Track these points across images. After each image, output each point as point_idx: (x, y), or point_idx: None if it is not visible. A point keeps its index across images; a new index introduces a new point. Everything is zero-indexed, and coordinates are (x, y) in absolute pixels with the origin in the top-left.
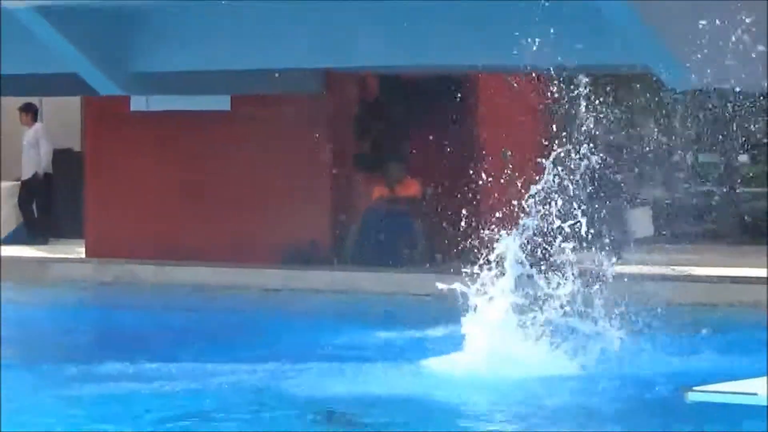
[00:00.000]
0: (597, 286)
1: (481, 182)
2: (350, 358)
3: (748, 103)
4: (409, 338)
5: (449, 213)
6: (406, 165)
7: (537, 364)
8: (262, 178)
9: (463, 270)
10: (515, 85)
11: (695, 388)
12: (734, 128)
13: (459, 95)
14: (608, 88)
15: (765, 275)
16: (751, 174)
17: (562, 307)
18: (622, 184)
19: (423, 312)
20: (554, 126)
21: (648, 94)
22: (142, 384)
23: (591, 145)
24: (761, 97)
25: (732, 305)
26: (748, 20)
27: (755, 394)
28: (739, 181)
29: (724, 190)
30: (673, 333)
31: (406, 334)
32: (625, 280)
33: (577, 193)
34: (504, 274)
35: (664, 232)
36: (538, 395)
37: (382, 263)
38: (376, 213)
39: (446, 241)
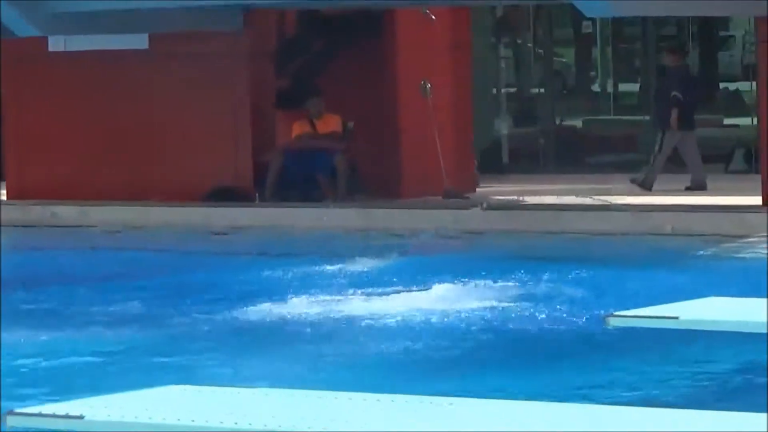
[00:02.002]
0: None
1: (400, 116)
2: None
3: (665, 31)
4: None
5: (370, 147)
6: (325, 100)
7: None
8: (182, 117)
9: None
10: (433, 18)
11: (616, 313)
12: (652, 57)
13: (378, 29)
14: (529, 19)
15: (680, 203)
16: None
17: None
18: (544, 114)
19: (338, 245)
20: (474, 58)
21: (567, 24)
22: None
23: (508, 76)
24: (680, 25)
25: (650, 234)
26: None
27: (676, 317)
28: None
29: (645, 118)
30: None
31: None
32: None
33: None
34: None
35: (585, 162)
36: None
37: (304, 199)
38: (297, 149)
39: (367, 176)
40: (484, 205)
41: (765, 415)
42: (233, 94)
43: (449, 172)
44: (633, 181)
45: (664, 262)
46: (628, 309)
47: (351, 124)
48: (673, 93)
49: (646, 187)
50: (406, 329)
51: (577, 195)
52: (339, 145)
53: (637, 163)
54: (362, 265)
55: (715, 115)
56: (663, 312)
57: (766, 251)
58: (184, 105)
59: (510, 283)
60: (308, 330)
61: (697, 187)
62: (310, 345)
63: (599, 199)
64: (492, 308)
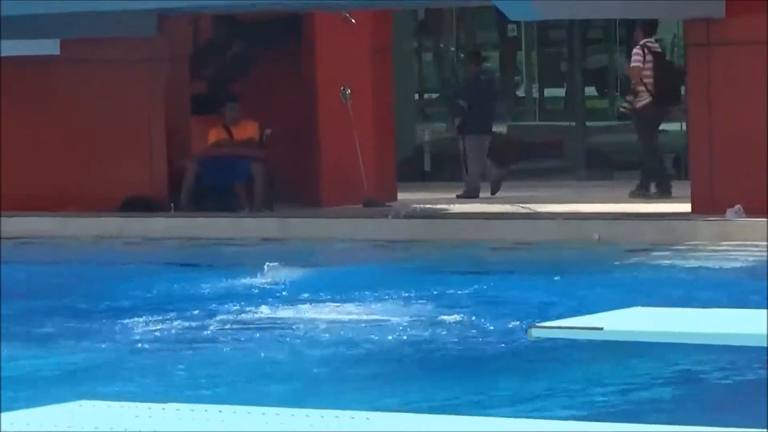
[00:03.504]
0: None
1: (320, 122)
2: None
3: (592, 34)
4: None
5: (288, 155)
6: (242, 107)
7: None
8: (95, 124)
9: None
10: (353, 21)
11: (538, 324)
12: (578, 61)
13: (296, 33)
14: (452, 23)
15: (608, 211)
16: (597, 107)
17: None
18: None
19: (254, 257)
20: (395, 64)
21: (492, 27)
22: None
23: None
24: (606, 28)
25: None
26: None
27: (601, 328)
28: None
29: (572, 124)
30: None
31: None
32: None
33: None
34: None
35: (512, 169)
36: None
37: (220, 208)
38: (213, 157)
39: (285, 184)
40: (402, 214)
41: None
42: (147, 100)
43: (370, 180)
44: (459, 196)
45: (590, 272)
46: (551, 320)
47: (268, 131)
48: (458, 101)
49: (471, 195)
50: (316, 342)
51: (501, 203)
52: (256, 152)
53: (563, 170)
54: (276, 276)
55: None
56: (587, 322)
57: (699, 261)
58: (97, 112)
59: (426, 294)
60: (207, 345)
61: (469, 195)
62: (205, 359)
63: (525, 207)
64: (407, 321)
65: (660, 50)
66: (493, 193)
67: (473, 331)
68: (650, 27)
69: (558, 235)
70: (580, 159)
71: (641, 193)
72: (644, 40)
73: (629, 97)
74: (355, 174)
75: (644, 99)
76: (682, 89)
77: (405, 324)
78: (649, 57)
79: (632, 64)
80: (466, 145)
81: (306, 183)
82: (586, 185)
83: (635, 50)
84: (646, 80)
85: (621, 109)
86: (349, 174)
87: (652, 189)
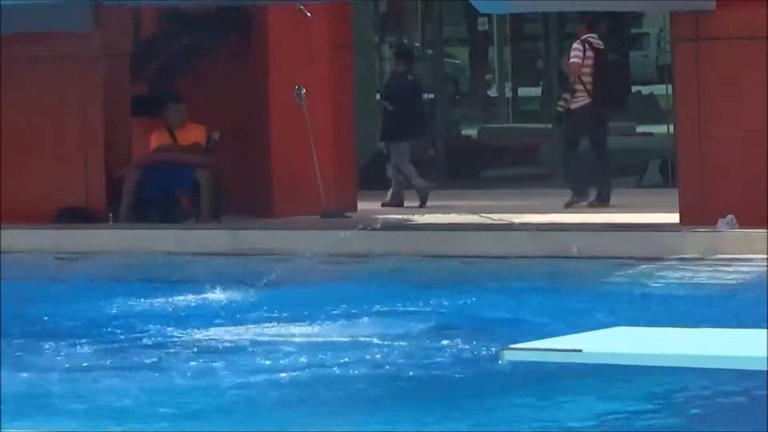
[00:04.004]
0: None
1: (272, 125)
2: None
3: (570, 28)
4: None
5: (237, 161)
6: (188, 108)
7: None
8: (27, 127)
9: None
10: (309, 15)
11: (512, 346)
12: (555, 58)
13: (247, 28)
14: (417, 16)
15: (588, 221)
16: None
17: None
18: (434, 123)
19: (201, 273)
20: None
21: (460, 21)
22: None
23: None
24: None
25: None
26: None
27: (579, 350)
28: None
29: (549, 126)
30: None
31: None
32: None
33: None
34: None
35: (485, 176)
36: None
37: (163, 219)
38: (155, 163)
39: (235, 193)
40: (364, 226)
41: None
42: (83, 101)
43: (328, 189)
44: (383, 204)
45: (567, 288)
46: (526, 341)
47: (216, 135)
48: (383, 102)
49: (395, 204)
50: (265, 366)
51: (471, 213)
52: (202, 158)
53: (539, 177)
54: (220, 294)
55: (627, 123)
56: (565, 344)
57: (689, 276)
58: (29, 114)
59: (389, 313)
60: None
61: (395, 204)
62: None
63: (496, 218)
64: (365, 342)
65: (602, 47)
66: (421, 205)
67: (438, 352)
68: (594, 21)
69: (533, 248)
70: (558, 165)
71: (575, 202)
72: (586, 35)
73: (566, 96)
74: (311, 182)
75: (581, 100)
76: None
77: (362, 345)
78: (589, 53)
79: (570, 60)
80: (393, 150)
81: (257, 192)
82: (564, 193)
83: (575, 45)
84: (584, 78)
85: (557, 110)
86: (304, 182)
87: (590, 197)
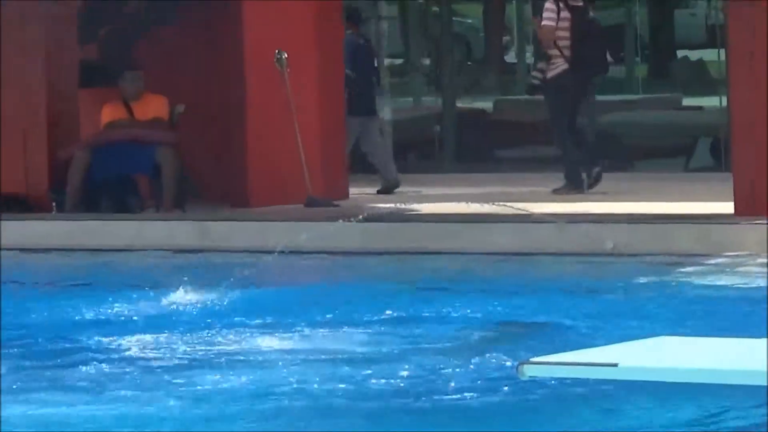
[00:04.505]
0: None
1: (248, 99)
2: None
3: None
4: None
5: (207, 140)
6: (147, 77)
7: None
8: None
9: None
10: None
11: (533, 360)
12: None
13: None
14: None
15: (624, 211)
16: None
17: None
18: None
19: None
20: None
21: None
22: None
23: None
24: None
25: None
26: None
27: (615, 364)
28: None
29: None
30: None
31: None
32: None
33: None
34: None
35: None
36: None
37: (117, 209)
38: (108, 142)
39: (204, 178)
40: (359, 217)
41: None
42: (22, 70)
43: (314, 173)
44: (380, 191)
45: (601, 293)
46: (548, 354)
47: (181, 108)
48: (347, 71)
49: (391, 187)
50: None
51: (483, 201)
52: (164, 135)
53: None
54: (183, 297)
55: (671, 94)
56: (596, 357)
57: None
58: None
59: (385, 322)
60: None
61: (387, 190)
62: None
63: (514, 208)
64: (352, 357)
65: (581, 3)
66: (381, 192)
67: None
68: None
69: (559, 244)
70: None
71: (568, 189)
72: None
73: (541, 65)
74: (294, 165)
75: (558, 67)
76: (608, 55)
77: (353, 361)
78: (565, 14)
79: (543, 23)
80: (361, 128)
81: (230, 176)
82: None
83: (547, 5)
84: (560, 43)
85: (531, 81)
86: (286, 165)
87: (585, 182)
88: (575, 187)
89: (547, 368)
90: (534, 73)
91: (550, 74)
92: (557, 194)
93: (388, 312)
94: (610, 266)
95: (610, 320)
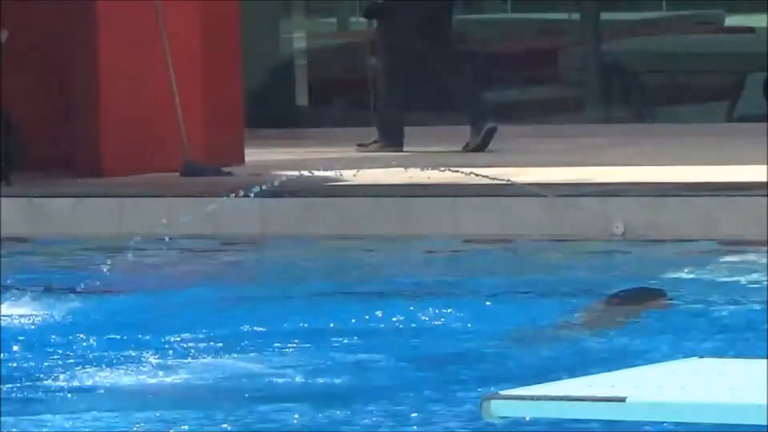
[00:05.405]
0: None
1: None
2: None
3: None
4: None
5: (44, 90)
6: None
7: None
8: None
9: None
10: None
11: (504, 392)
12: None
13: None
14: None
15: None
16: None
17: None
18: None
19: None
20: None
21: None
22: None
23: None
24: None
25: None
26: None
27: (622, 399)
28: None
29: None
30: None
31: None
32: None
33: None
34: None
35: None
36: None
37: None
38: None
39: (39, 138)
40: (257, 190)
41: None
42: None
43: (195, 131)
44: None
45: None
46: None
47: (4, 35)
48: None
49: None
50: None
51: (443, 167)
52: None
53: (559, 101)
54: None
55: (709, 10)
56: (596, 388)
57: None
58: None
59: (293, 339)
60: None
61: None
62: None
63: (486, 176)
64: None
65: None
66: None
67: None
68: None
69: (548, 226)
70: (591, 80)
71: (379, 147)
72: None
73: None
74: (166, 120)
75: None
76: None
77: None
78: None
79: None
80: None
81: (75, 135)
82: (600, 129)
83: None
84: None
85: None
86: (155, 120)
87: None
88: (389, 145)
89: (525, 405)
90: None
91: None
92: (360, 151)
93: (303, 325)
94: (621, 257)
95: (619, 336)
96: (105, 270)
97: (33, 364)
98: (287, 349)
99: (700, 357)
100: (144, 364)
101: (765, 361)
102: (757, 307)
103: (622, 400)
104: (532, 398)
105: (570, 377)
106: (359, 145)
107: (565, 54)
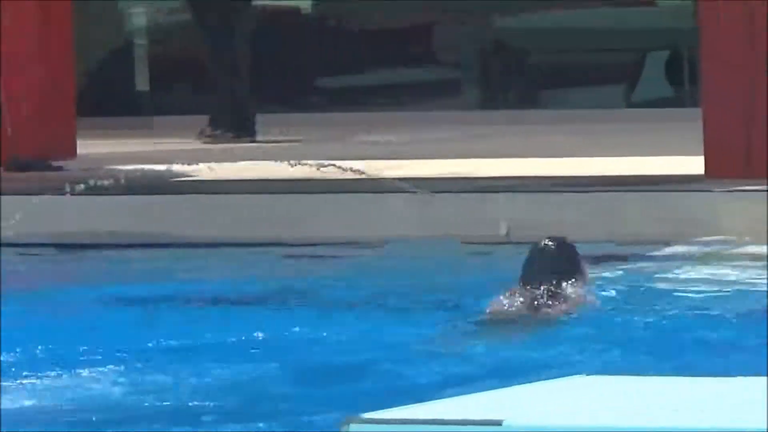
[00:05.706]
0: None
1: None
2: None
3: None
4: None
5: None
6: None
7: None
8: None
9: None
10: None
11: (366, 415)
12: None
13: None
14: None
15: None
16: None
17: None
18: None
19: None
20: None
21: None
22: None
23: None
24: None
25: None
26: None
27: (499, 422)
28: None
29: None
30: None
31: None
32: None
33: None
34: None
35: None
36: None
37: None
38: None
39: None
40: (81, 187)
41: None
42: None
43: (21, 122)
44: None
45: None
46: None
47: None
48: None
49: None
50: None
51: (306, 160)
52: None
53: (449, 85)
54: None
55: None
56: (469, 409)
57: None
58: None
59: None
60: None
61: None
62: None
63: (351, 170)
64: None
65: None
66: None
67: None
68: None
69: (421, 227)
70: (470, 61)
71: (210, 133)
72: None
73: None
74: None
75: None
76: None
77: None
78: None
79: None
80: None
81: None
82: (481, 116)
83: None
84: None
85: None
86: None
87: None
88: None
89: (389, 429)
90: None
91: None
92: (202, 139)
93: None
94: (505, 262)
95: (510, 350)
96: None
97: None
98: None
99: (586, 375)
100: None
101: (655, 378)
102: (668, 316)
103: (499, 423)
104: (397, 422)
105: (441, 397)
106: (204, 134)
107: (440, 31)
